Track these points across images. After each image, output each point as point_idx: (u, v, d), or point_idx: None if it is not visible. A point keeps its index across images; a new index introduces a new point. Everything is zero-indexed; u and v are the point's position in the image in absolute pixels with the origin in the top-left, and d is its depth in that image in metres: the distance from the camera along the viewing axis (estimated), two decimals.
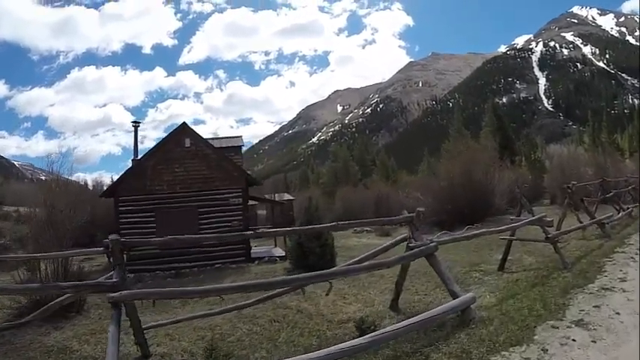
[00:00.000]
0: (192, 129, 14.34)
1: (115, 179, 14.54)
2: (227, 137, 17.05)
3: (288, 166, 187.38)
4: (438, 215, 19.81)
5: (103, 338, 5.38)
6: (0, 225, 23.56)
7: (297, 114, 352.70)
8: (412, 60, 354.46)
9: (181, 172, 13.89)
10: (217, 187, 13.99)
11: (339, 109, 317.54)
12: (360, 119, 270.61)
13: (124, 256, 4.49)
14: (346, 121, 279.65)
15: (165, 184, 13.82)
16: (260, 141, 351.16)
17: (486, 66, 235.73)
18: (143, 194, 13.74)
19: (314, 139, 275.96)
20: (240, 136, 17.07)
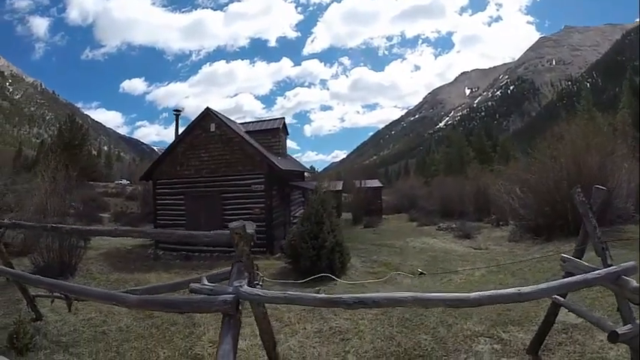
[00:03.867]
0: (216, 113, 12.83)
1: None
2: (268, 120, 15.20)
3: (415, 151, 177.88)
4: (536, 218, 14.09)
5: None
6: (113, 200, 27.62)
7: (423, 98, 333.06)
8: (543, 35, 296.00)
9: (207, 157, 12.67)
10: (240, 172, 12.30)
11: (467, 92, 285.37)
12: (490, 102, 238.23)
13: None
14: (474, 105, 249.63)
15: (193, 168, 12.84)
16: (386, 126, 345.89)
17: (626, 39, 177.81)
18: (175, 178, 13.07)
19: (441, 124, 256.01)
20: (281, 118, 14.88)
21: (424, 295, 2.58)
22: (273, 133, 14.17)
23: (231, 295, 2.66)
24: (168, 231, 4.58)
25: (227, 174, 12.40)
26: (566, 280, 2.92)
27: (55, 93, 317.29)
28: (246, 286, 2.81)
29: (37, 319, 5.13)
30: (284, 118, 15.07)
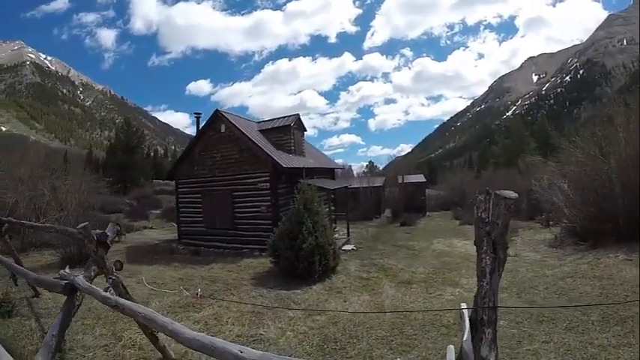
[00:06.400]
0: (226, 114, 12.77)
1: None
2: (282, 117, 14.48)
3: (481, 144, 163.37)
4: (582, 220, 11.45)
5: None
6: (167, 197, 29.07)
7: (489, 87, 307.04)
8: (611, 13, 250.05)
9: (219, 157, 12.73)
10: (247, 170, 12.10)
11: (535, 78, 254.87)
12: (559, 89, 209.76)
13: None
14: (543, 92, 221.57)
15: (207, 168, 12.97)
16: (451, 117, 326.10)
17: None
18: (192, 177, 13.37)
19: (508, 113, 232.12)
20: (295, 115, 14.06)
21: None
22: (285, 130, 13.59)
23: (65, 281, 3.15)
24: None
25: (236, 173, 12.29)
26: None
27: (123, 98, 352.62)
28: (81, 277, 3.16)
29: (34, 296, 6.01)
30: (298, 114, 14.32)
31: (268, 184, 11.59)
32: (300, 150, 14.31)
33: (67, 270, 3.43)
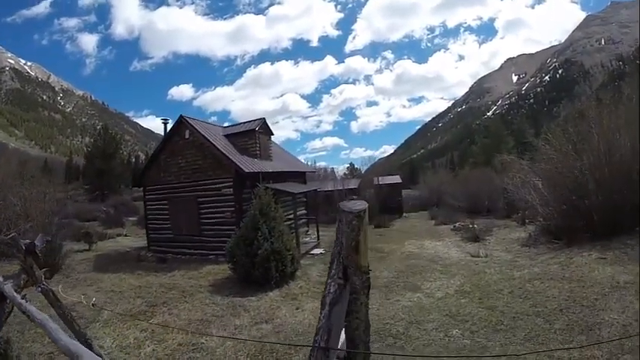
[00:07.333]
0: (190, 120, 12.50)
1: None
2: (248, 122, 14.00)
3: (462, 144, 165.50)
4: (556, 218, 11.23)
5: None
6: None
7: (470, 88, 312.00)
8: (589, 14, 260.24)
9: (184, 163, 12.49)
10: (211, 176, 11.83)
11: (514, 78, 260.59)
12: (538, 88, 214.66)
13: None
14: (523, 92, 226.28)
15: (173, 174, 12.68)
16: (433, 118, 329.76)
17: None
18: (159, 184, 13.03)
19: (489, 114, 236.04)
20: (260, 119, 13.65)
21: None
22: (250, 134, 13.23)
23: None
24: None
25: (201, 179, 12.04)
26: None
27: (104, 104, 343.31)
28: (9, 285, 3.30)
29: None
30: (264, 118, 13.91)
31: (232, 189, 11.08)
32: (267, 154, 13.87)
33: (0, 278, 3.57)
